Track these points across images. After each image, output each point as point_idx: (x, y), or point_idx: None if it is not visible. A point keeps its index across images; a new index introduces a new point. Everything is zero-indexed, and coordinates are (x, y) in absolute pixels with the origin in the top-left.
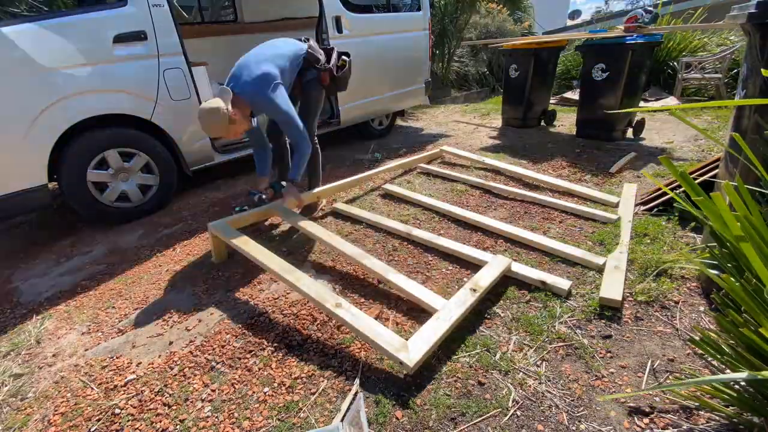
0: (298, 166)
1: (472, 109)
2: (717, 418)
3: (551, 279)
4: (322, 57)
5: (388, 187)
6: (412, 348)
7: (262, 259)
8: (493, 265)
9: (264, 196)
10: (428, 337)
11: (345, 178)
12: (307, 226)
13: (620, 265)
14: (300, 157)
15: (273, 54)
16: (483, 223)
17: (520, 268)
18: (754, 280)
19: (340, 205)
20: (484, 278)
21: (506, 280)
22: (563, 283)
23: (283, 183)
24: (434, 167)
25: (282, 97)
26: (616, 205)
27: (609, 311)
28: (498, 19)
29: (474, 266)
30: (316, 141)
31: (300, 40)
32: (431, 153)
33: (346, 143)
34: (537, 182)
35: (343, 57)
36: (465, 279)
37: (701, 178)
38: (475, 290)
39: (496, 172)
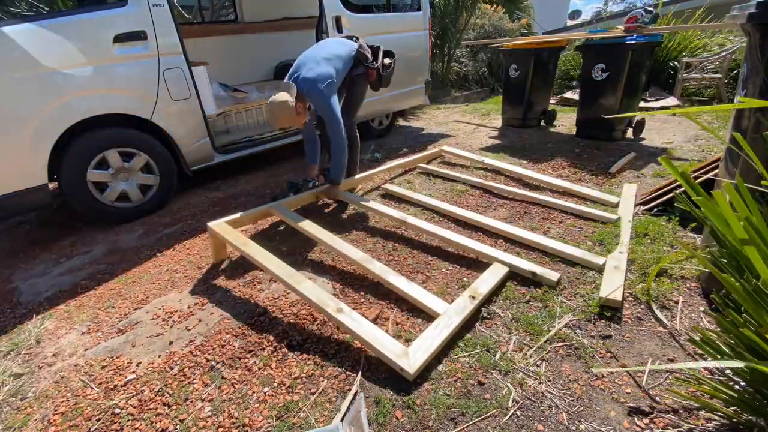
0: (338, 165)
1: (472, 109)
2: (717, 418)
3: (541, 270)
4: (369, 55)
5: (388, 186)
6: (412, 355)
7: (263, 262)
8: (493, 272)
9: (317, 183)
10: (428, 345)
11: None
12: (308, 227)
13: (620, 265)
14: (338, 152)
15: (330, 54)
16: (483, 223)
17: (513, 260)
18: (754, 280)
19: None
20: (483, 285)
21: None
22: (552, 275)
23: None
24: (434, 167)
25: (331, 95)
26: (616, 205)
27: (609, 311)
28: (494, 18)
29: (476, 265)
30: (356, 131)
31: (351, 39)
32: (431, 153)
33: None
34: (537, 182)
35: (387, 59)
36: (465, 279)
37: (702, 178)
38: (474, 297)
39: (496, 172)
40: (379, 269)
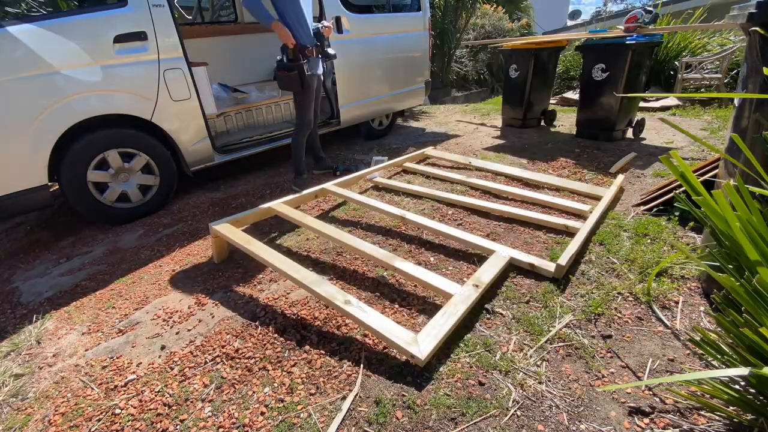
0: None
1: (472, 109)
2: (717, 418)
3: (539, 262)
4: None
5: (380, 179)
6: (422, 342)
7: (268, 259)
8: (493, 262)
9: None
10: (437, 332)
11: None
12: (311, 223)
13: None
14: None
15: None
16: (476, 205)
17: (513, 253)
18: (754, 280)
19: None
20: (485, 275)
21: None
22: (549, 265)
23: None
24: (435, 168)
25: None
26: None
27: (609, 311)
28: (494, 19)
29: (478, 264)
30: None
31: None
32: (415, 154)
33: (345, 143)
34: (529, 181)
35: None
36: (465, 279)
37: (701, 178)
38: (477, 286)
39: (494, 173)
40: (385, 255)
